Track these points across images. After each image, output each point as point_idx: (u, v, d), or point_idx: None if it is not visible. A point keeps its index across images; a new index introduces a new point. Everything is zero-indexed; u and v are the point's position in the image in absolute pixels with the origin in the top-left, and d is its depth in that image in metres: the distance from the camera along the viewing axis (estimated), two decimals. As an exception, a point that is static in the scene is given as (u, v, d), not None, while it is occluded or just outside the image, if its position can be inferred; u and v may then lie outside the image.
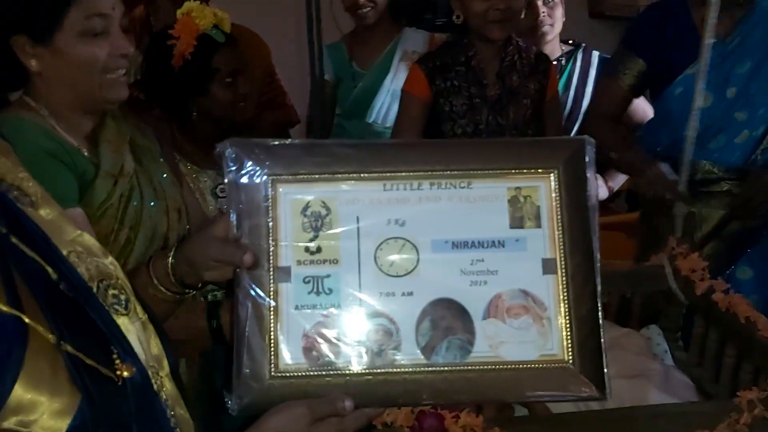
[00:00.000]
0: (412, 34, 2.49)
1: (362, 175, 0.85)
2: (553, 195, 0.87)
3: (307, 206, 0.85)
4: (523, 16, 2.19)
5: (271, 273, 0.83)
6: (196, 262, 0.89)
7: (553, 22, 2.50)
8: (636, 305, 1.70)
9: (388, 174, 0.86)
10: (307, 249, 0.84)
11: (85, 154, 1.31)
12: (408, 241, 0.85)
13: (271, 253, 0.83)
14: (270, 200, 0.84)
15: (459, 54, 2.07)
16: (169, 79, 1.79)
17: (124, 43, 1.32)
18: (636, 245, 2.24)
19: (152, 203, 1.38)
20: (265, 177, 0.84)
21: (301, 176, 0.85)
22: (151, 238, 1.37)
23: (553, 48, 2.55)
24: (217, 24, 1.86)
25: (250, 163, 0.85)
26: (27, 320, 0.62)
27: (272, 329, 0.82)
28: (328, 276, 0.84)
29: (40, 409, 0.63)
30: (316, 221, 0.85)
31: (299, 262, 0.84)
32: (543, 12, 2.47)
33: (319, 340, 0.83)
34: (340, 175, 0.85)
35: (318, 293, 0.83)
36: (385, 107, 2.44)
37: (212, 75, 1.85)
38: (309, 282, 0.84)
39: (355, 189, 0.85)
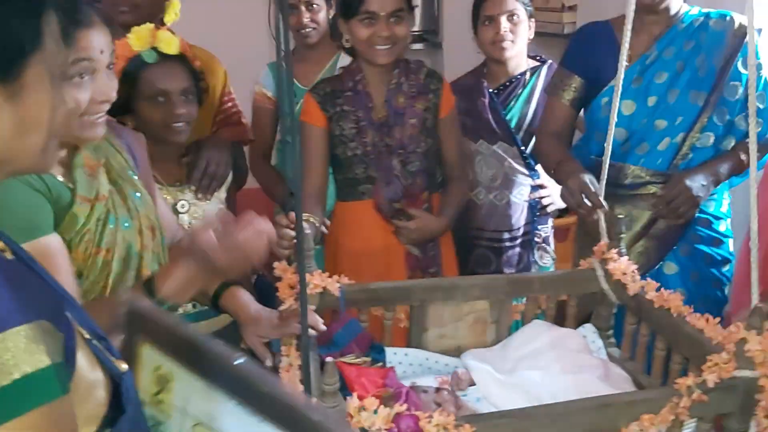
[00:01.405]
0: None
1: None
2: None
3: None
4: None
5: None
6: None
7: (515, 38, 2.53)
8: (571, 307, 1.84)
9: None
10: None
11: (60, 179, 1.30)
12: None
13: None
14: None
15: (348, 79, 2.18)
16: None
17: (107, 90, 1.33)
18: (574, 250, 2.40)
19: (126, 224, 1.39)
20: None
21: None
22: (125, 258, 1.38)
23: (518, 63, 2.61)
24: (156, 46, 1.90)
25: None
26: None
27: None
28: None
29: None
30: None
31: None
32: (505, 28, 2.51)
33: None
34: None
35: None
36: None
37: (137, 95, 1.89)
38: None
39: None
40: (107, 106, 1.35)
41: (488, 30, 2.52)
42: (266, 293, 2.49)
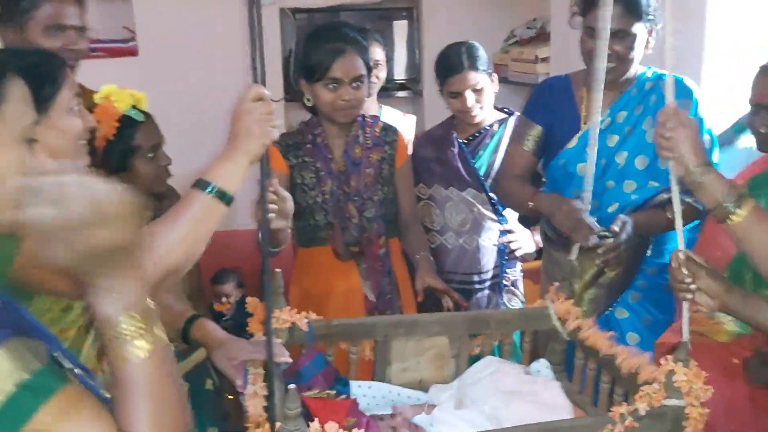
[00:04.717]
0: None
1: None
2: None
3: None
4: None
5: None
6: None
7: (482, 104, 2.66)
8: (526, 342, 1.96)
9: None
10: None
11: None
12: None
13: None
14: None
15: (308, 133, 2.34)
16: (94, 159, 1.95)
17: (89, 117, 1.51)
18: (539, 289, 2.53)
19: None
20: None
21: None
22: None
23: (485, 117, 2.73)
24: (135, 104, 2.06)
25: None
26: None
27: None
28: None
29: None
30: None
31: None
32: (471, 99, 2.63)
33: None
34: None
35: None
36: None
37: (134, 152, 2.04)
38: None
39: None
40: (87, 134, 1.51)
41: (456, 102, 2.67)
42: (248, 314, 2.63)
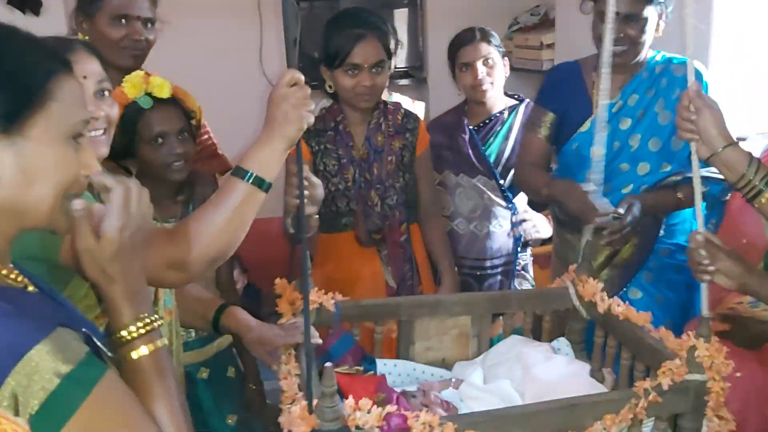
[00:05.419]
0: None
1: None
2: None
3: None
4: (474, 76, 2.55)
5: None
6: None
7: (493, 80, 2.70)
8: (546, 321, 2.00)
9: None
10: None
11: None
12: None
13: None
14: None
15: (330, 120, 2.35)
16: None
17: (93, 108, 1.47)
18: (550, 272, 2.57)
19: None
20: None
21: None
22: None
23: (496, 102, 2.77)
24: (150, 91, 2.07)
25: None
26: None
27: None
28: None
29: None
30: None
31: None
32: (482, 72, 2.68)
33: None
34: None
35: None
36: None
37: (136, 139, 2.04)
38: None
39: None
40: (102, 123, 1.52)
41: (467, 76, 2.71)
42: (254, 300, 2.63)
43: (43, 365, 0.88)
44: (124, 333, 1.05)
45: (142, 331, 1.06)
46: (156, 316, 1.09)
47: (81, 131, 1.03)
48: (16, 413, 0.87)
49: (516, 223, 2.76)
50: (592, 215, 2.09)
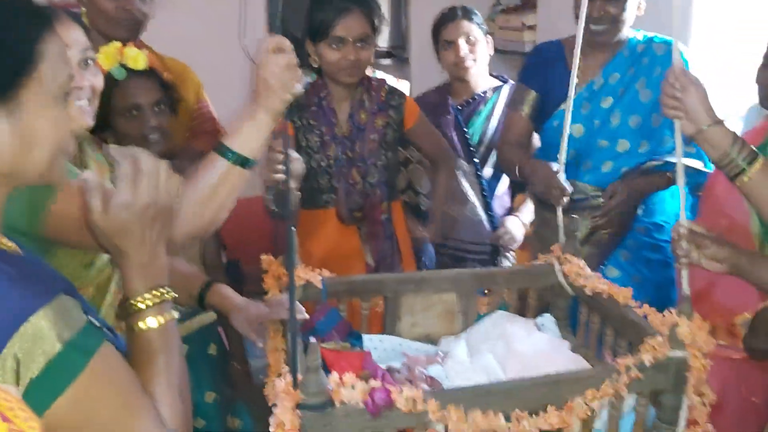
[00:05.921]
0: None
1: None
2: None
3: None
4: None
5: None
6: None
7: (476, 57, 2.71)
8: (531, 298, 2.01)
9: None
10: None
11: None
12: None
13: None
14: None
15: (314, 95, 2.33)
16: None
17: (77, 77, 1.45)
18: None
19: None
20: None
21: None
22: None
23: (478, 81, 2.78)
24: (124, 63, 2.04)
25: None
26: None
27: None
28: None
29: None
30: None
31: None
32: (464, 49, 2.69)
33: None
34: None
35: None
36: None
37: (113, 110, 2.02)
38: None
39: None
40: (85, 93, 1.51)
41: (449, 53, 2.71)
42: (236, 277, 2.64)
43: (47, 330, 0.88)
44: (133, 301, 1.06)
45: (150, 303, 1.06)
46: (168, 288, 1.09)
47: (68, 89, 1.02)
48: (17, 376, 0.87)
49: (494, 227, 2.77)
50: (555, 193, 2.08)
